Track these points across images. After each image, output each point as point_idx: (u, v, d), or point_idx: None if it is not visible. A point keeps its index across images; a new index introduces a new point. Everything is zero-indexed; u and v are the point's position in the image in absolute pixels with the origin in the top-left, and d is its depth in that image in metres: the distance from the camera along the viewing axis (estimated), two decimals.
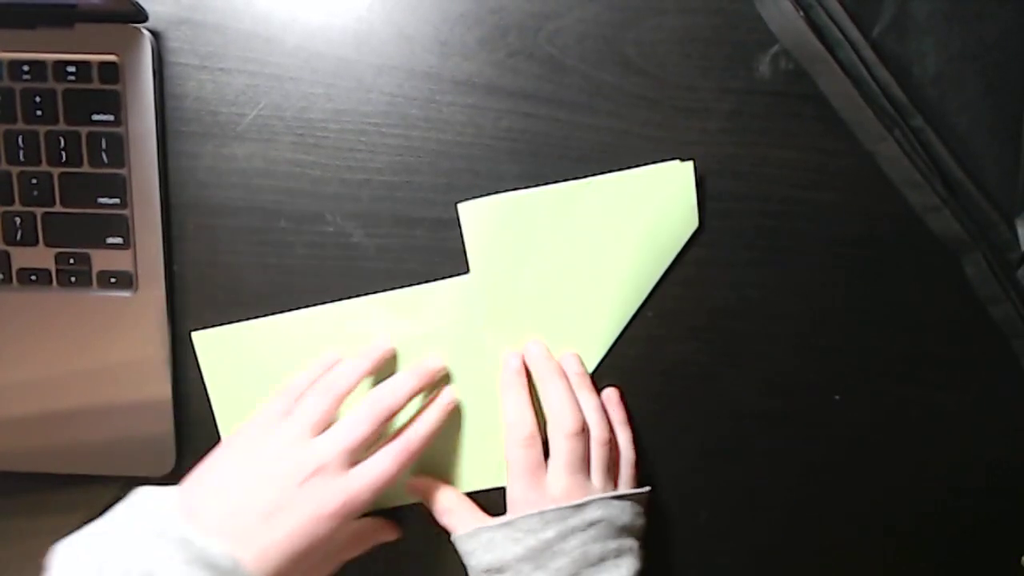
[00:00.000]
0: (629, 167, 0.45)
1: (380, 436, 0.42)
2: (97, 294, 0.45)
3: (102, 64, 0.43)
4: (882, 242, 0.47)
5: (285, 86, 0.45)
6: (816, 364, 0.48)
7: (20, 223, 0.45)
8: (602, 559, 0.41)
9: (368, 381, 0.45)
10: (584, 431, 0.44)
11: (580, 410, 0.44)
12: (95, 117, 0.44)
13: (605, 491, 0.43)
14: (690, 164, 0.45)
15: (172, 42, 0.45)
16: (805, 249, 0.47)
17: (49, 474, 0.47)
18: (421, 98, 0.46)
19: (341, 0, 0.45)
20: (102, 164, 0.44)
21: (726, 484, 0.49)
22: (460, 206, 0.45)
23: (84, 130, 0.44)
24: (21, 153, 0.44)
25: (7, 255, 0.45)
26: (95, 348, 0.46)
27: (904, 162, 0.44)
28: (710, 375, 0.48)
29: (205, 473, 0.39)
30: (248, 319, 0.46)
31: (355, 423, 0.41)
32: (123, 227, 0.45)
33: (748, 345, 0.48)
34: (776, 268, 0.47)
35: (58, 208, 0.45)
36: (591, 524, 0.42)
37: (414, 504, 0.47)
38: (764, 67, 0.45)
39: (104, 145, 0.44)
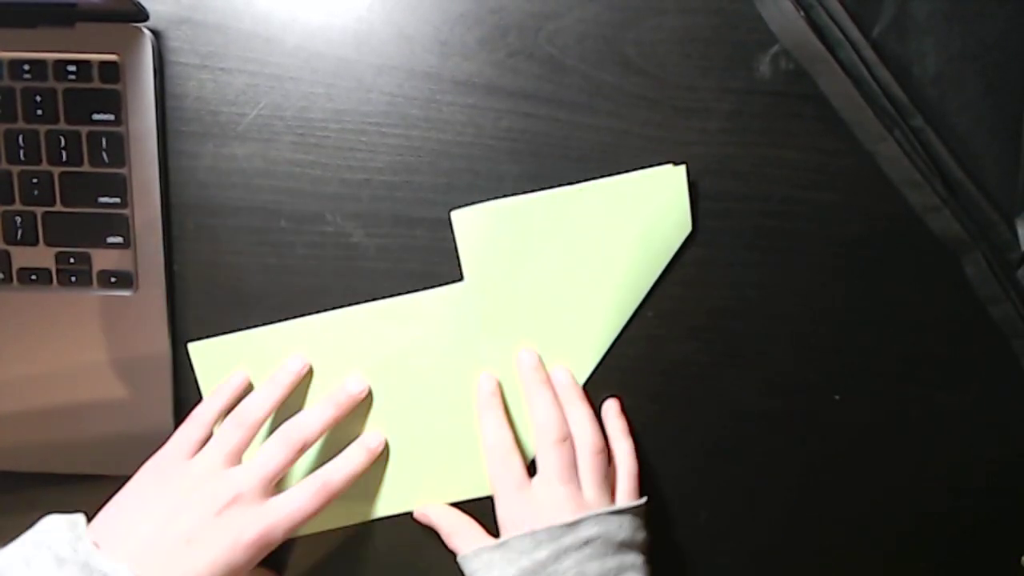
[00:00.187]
0: (629, 167, 0.45)
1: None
2: (97, 294, 0.45)
3: (103, 63, 0.43)
4: (882, 242, 0.46)
5: (285, 86, 0.45)
6: (816, 364, 0.48)
7: (20, 222, 0.45)
8: None
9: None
10: (568, 439, 0.44)
11: (565, 419, 0.44)
12: (95, 116, 0.44)
13: (600, 505, 0.43)
14: (683, 168, 0.45)
15: (173, 42, 0.45)
16: (805, 249, 0.47)
17: (49, 474, 0.47)
18: (421, 98, 0.46)
19: (341, 0, 0.45)
20: (102, 163, 0.44)
21: (726, 484, 0.49)
22: (453, 213, 0.45)
23: (84, 129, 0.44)
24: (21, 152, 0.44)
25: (7, 254, 0.45)
26: (95, 348, 0.46)
27: (904, 162, 0.44)
28: (710, 375, 0.48)
29: (119, 502, 0.39)
30: (248, 319, 0.46)
31: (271, 453, 0.41)
32: (123, 227, 0.45)
33: (748, 345, 0.48)
34: (776, 268, 0.47)
35: (58, 207, 0.45)
36: (586, 542, 0.41)
37: (409, 517, 0.47)
38: (764, 67, 0.45)
39: (104, 144, 0.44)
